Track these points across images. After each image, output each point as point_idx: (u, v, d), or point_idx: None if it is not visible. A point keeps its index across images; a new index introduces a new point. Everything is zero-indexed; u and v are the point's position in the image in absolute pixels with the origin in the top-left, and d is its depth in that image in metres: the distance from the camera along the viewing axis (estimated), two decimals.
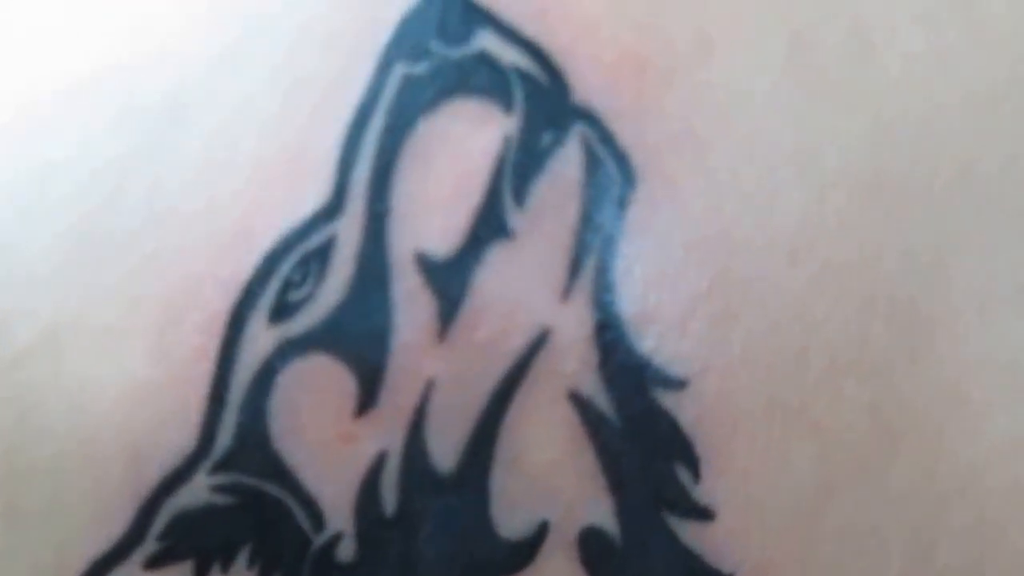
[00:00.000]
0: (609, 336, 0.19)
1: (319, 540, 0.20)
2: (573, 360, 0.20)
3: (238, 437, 0.20)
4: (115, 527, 0.20)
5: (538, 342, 0.20)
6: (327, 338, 0.20)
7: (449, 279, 0.19)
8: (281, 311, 0.20)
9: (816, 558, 0.22)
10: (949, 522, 0.23)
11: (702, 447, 0.20)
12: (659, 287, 0.20)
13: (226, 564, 0.20)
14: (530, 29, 0.20)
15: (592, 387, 0.20)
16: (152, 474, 0.20)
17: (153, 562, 0.20)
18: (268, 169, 0.20)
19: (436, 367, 0.20)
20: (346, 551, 0.20)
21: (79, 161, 0.21)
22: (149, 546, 0.20)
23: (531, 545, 0.20)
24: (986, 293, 0.23)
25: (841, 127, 0.22)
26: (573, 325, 0.20)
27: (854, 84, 0.21)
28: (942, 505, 0.23)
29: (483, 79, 0.19)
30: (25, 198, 0.21)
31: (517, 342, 0.20)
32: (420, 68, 0.19)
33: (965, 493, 0.23)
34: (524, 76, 0.19)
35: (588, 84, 0.20)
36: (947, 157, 0.22)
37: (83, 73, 0.21)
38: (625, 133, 0.20)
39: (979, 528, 0.23)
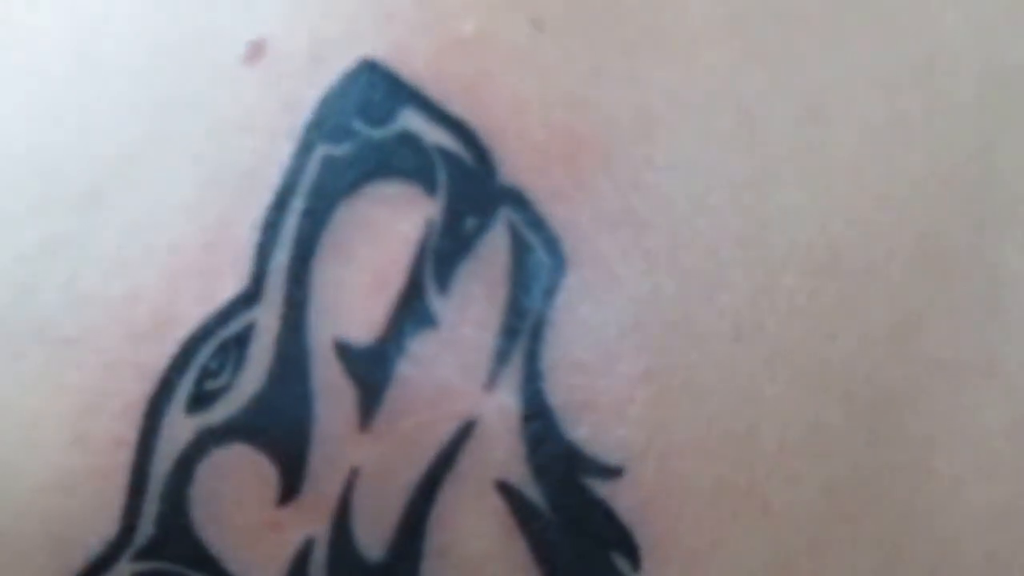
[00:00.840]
0: (537, 426, 0.18)
1: None
2: (500, 450, 0.19)
3: (160, 525, 0.19)
4: None
5: (464, 432, 0.19)
6: (247, 428, 0.19)
7: (370, 368, 0.19)
8: (199, 400, 0.19)
9: None
10: None
11: (643, 535, 0.19)
12: (593, 373, 0.19)
13: None
14: (457, 107, 0.18)
15: (521, 477, 0.19)
16: (75, 562, 0.19)
17: None
18: (187, 256, 0.19)
19: (360, 456, 0.19)
20: None
21: None
22: None
23: None
24: (954, 366, 0.22)
25: (791, 204, 0.20)
26: (500, 415, 0.19)
27: (806, 158, 0.20)
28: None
29: (406, 160, 0.18)
30: None
31: (442, 432, 0.19)
32: (342, 149, 0.18)
33: (936, 572, 0.22)
34: (448, 156, 0.18)
35: (518, 164, 0.19)
36: (907, 232, 0.21)
37: (2, 157, 0.20)
38: (557, 214, 0.19)
39: None
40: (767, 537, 0.20)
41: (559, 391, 0.18)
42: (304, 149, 0.18)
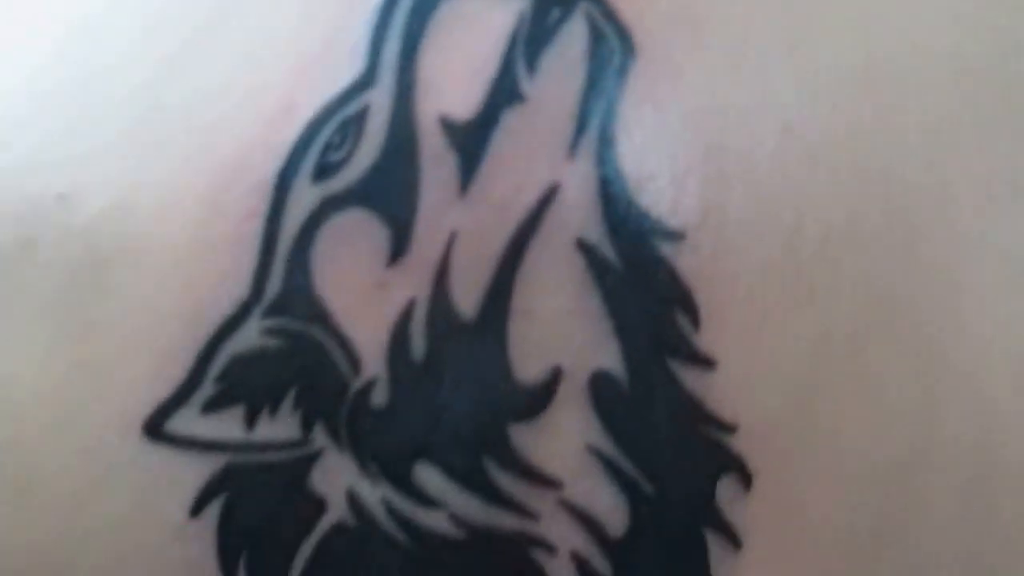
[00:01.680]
0: (612, 189, 0.22)
1: (356, 384, 0.23)
2: (580, 212, 0.22)
3: (285, 285, 0.22)
4: (175, 373, 0.23)
5: (548, 196, 0.22)
6: (363, 194, 0.22)
7: (469, 139, 0.22)
8: (323, 171, 0.22)
9: (814, 420, 0.24)
10: (951, 397, 0.25)
11: (701, 298, 0.22)
12: (657, 150, 0.22)
13: (273, 408, 0.23)
14: None
15: (597, 236, 0.22)
16: (210, 322, 0.23)
17: (209, 406, 0.23)
18: (310, 51, 0.23)
19: (458, 221, 0.22)
20: (380, 396, 0.23)
21: (142, 45, 0.23)
22: (206, 390, 0.23)
23: (546, 391, 0.22)
24: (983, 180, 0.25)
25: (837, 19, 0.24)
26: (579, 180, 0.22)
27: None
28: (942, 382, 0.25)
29: None
30: (96, 84, 0.24)
31: (530, 196, 0.22)
32: None
33: (965, 374, 0.25)
34: None
35: None
36: (940, 48, 0.24)
37: None
38: (626, 11, 0.22)
39: (982, 402, 0.25)
40: (811, 319, 0.23)
41: (629, 162, 0.22)
42: None
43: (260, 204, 0.23)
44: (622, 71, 0.23)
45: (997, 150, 0.25)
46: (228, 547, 0.24)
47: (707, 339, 0.23)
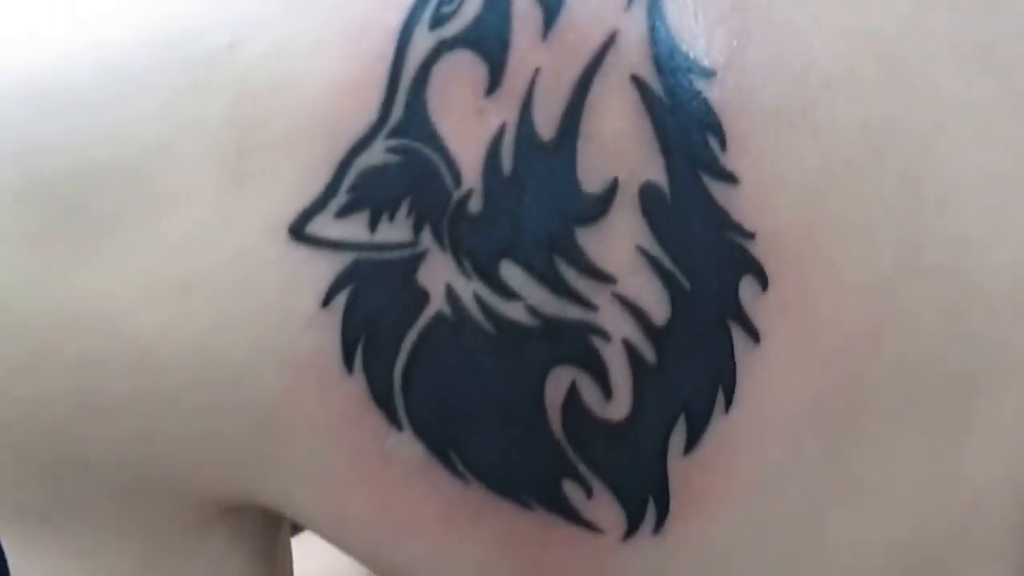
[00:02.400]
0: (658, 35, 0.26)
1: (457, 194, 0.27)
2: (634, 53, 0.26)
3: (405, 112, 0.26)
4: (317, 184, 0.27)
5: (610, 39, 0.26)
6: (469, 38, 0.26)
7: None
8: (437, 21, 0.26)
9: (818, 234, 0.28)
10: (932, 229, 0.29)
11: (727, 125, 0.27)
12: (693, 4, 0.26)
13: (392, 214, 0.27)
14: None
15: (648, 73, 0.26)
16: (345, 142, 0.27)
17: (342, 211, 0.27)
18: None
19: (540, 60, 0.26)
20: (475, 205, 0.27)
21: None
22: (340, 198, 0.27)
23: (606, 199, 0.27)
24: (958, 44, 0.29)
25: None
26: (634, 28, 0.26)
27: None
28: (926, 214, 0.28)
29: None
30: None
31: (595, 40, 0.26)
32: None
33: (945, 206, 0.29)
34: None
35: None
36: None
37: None
38: None
39: (956, 228, 0.29)
40: (814, 149, 0.27)
41: (672, 14, 0.26)
42: None
43: (387, 48, 0.26)
44: None
45: (970, 18, 0.29)
46: (349, 333, 0.28)
47: (732, 159, 0.27)
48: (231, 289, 0.28)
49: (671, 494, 0.29)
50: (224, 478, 0.31)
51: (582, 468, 0.29)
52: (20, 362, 0.29)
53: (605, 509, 0.30)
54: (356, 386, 0.28)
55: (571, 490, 0.29)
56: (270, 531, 0.37)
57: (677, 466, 0.29)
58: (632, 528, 0.30)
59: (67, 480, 0.32)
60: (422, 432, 0.29)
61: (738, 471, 0.29)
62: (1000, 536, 0.34)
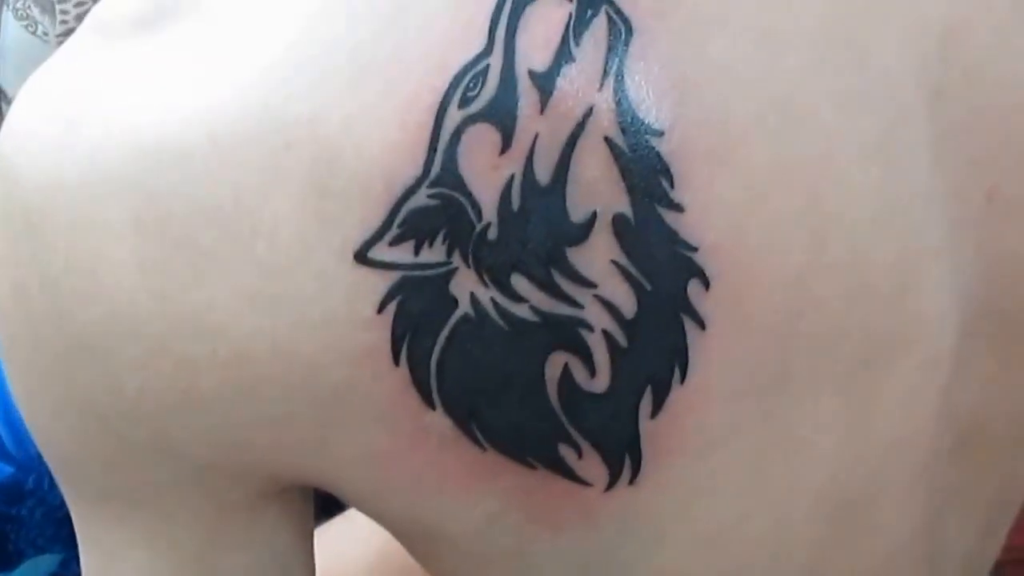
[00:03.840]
0: (622, 107, 0.31)
1: (479, 226, 0.32)
2: (606, 120, 0.31)
3: (442, 167, 0.31)
4: (376, 221, 0.31)
5: (588, 112, 0.31)
6: (487, 113, 0.31)
7: (544, 82, 0.31)
8: (465, 100, 0.31)
9: (746, 244, 0.33)
10: (831, 235, 0.34)
11: (674, 168, 0.32)
12: (646, 84, 0.32)
13: (431, 242, 0.31)
14: None
15: (616, 134, 0.31)
16: (398, 189, 0.31)
17: (395, 241, 0.31)
18: (453, 32, 0.31)
19: (539, 127, 0.31)
20: (492, 233, 0.32)
21: (356, 25, 0.31)
22: (393, 231, 0.31)
23: (588, 226, 0.32)
24: (840, 92, 0.34)
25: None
26: (605, 102, 0.31)
27: None
28: (825, 224, 0.33)
29: None
30: (335, 50, 0.31)
31: (579, 112, 0.31)
32: None
33: (841, 217, 0.34)
34: None
35: None
36: None
37: None
38: (626, 9, 0.31)
39: (852, 241, 0.34)
40: (737, 182, 0.32)
41: (631, 92, 0.32)
42: None
43: (429, 120, 0.31)
44: (626, 42, 0.31)
45: (846, 70, 0.34)
46: (398, 333, 0.32)
47: (679, 193, 0.32)
48: (309, 300, 0.31)
49: (642, 451, 0.35)
50: (288, 458, 0.35)
51: (574, 433, 0.34)
52: (135, 360, 0.33)
53: (592, 466, 0.34)
54: (400, 375, 0.33)
55: (565, 452, 0.34)
56: (308, 513, 0.42)
57: (646, 427, 0.34)
58: (613, 480, 0.35)
59: (159, 463, 0.36)
60: (450, 409, 0.33)
61: (694, 429, 0.35)
62: (905, 486, 0.40)
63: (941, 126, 0.36)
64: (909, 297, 0.36)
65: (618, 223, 0.32)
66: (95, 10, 0.35)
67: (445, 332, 0.32)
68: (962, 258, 0.37)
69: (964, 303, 0.38)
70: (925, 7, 0.35)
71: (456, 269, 0.32)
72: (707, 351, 0.33)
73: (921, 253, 0.36)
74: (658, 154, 0.32)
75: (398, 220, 0.32)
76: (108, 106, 0.32)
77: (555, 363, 0.33)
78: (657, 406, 0.34)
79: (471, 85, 0.31)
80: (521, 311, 0.32)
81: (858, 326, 0.35)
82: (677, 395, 0.34)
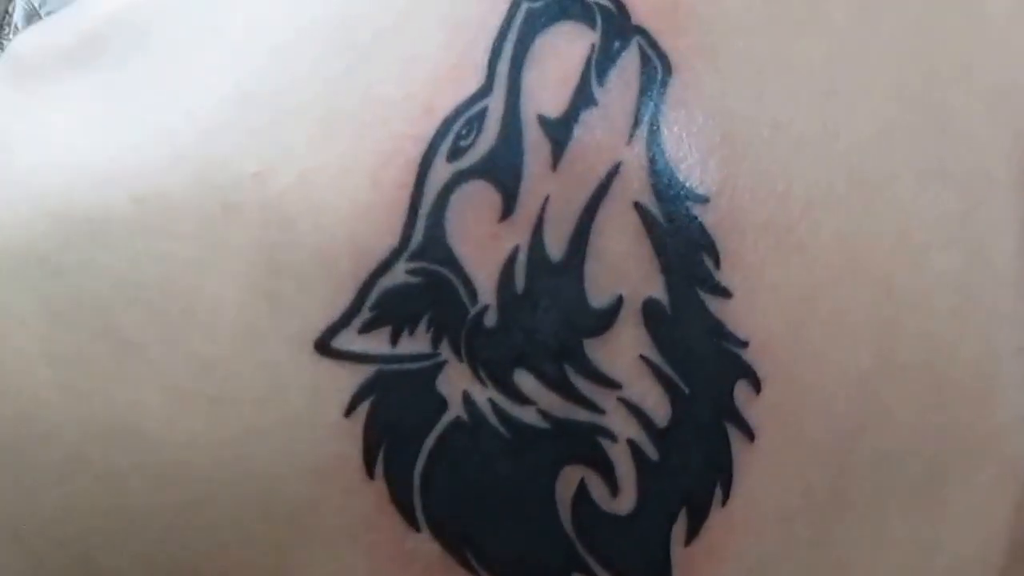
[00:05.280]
0: (657, 166, 0.28)
1: (473, 310, 0.28)
2: (636, 181, 0.28)
3: (425, 236, 0.28)
4: (342, 302, 0.28)
5: (614, 170, 0.28)
6: (483, 169, 0.28)
7: (559, 131, 0.28)
8: (455, 153, 0.28)
9: (804, 340, 0.30)
10: (905, 330, 0.31)
11: (720, 245, 0.29)
12: (688, 138, 0.29)
13: (412, 329, 0.28)
14: None
15: (649, 199, 0.28)
16: (369, 264, 0.28)
17: (365, 327, 0.28)
18: (443, 69, 0.28)
19: (551, 188, 0.28)
20: (490, 319, 0.28)
21: (322, 65, 0.29)
22: (364, 315, 0.28)
23: (612, 313, 0.29)
24: (917, 164, 0.31)
25: (805, 49, 0.30)
26: (635, 160, 0.28)
27: None
28: (899, 317, 0.31)
29: (577, 10, 0.29)
30: (287, 94, 0.29)
31: (601, 170, 0.28)
32: (537, 5, 0.29)
33: (916, 309, 0.31)
34: (601, 7, 0.29)
35: (642, 12, 0.29)
36: (884, 71, 0.31)
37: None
38: (665, 43, 0.29)
39: (929, 337, 0.31)
40: (800, 264, 0.29)
41: (669, 147, 0.28)
42: (514, 6, 0.29)
43: (409, 178, 0.28)
44: (663, 84, 0.29)
45: (927, 139, 0.31)
46: (371, 440, 0.29)
47: (725, 275, 0.29)
48: (259, 401, 0.29)
49: None
50: None
51: (591, 561, 0.30)
52: (51, 471, 0.30)
53: None
54: (377, 490, 0.29)
55: None
56: None
57: (679, 556, 0.30)
58: None
59: None
60: (439, 532, 0.30)
61: (735, 558, 0.31)
62: None
63: None
64: (988, 403, 0.33)
65: (649, 310, 0.29)
66: (12, 45, 0.33)
67: (431, 440, 0.29)
68: None
69: None
70: (1015, 71, 0.33)
71: (445, 363, 0.29)
72: (755, 467, 0.30)
73: (1004, 350, 0.33)
74: (701, 226, 0.29)
75: (370, 302, 0.28)
76: (13, 165, 0.30)
77: (569, 479, 0.30)
78: (693, 531, 0.30)
79: (464, 132, 0.28)
80: (527, 416, 0.29)
81: (931, 437, 0.32)
82: (717, 519, 0.30)
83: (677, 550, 0.31)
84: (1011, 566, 0.37)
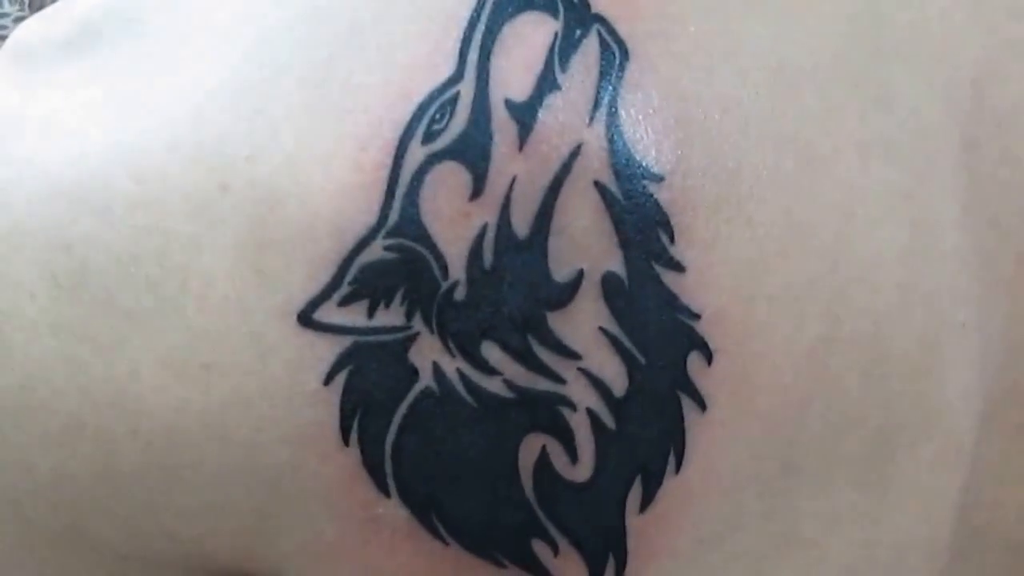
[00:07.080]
0: (616, 146, 0.29)
1: (445, 285, 0.29)
2: (596, 161, 0.29)
3: (401, 215, 0.29)
4: (323, 277, 0.29)
5: (576, 150, 0.29)
6: (456, 151, 0.29)
7: (525, 114, 0.29)
8: (429, 136, 0.29)
9: (755, 313, 0.31)
10: (851, 303, 0.31)
11: (675, 221, 0.29)
12: (644, 120, 0.29)
13: (388, 302, 0.29)
14: None
15: (608, 178, 0.29)
16: (349, 241, 0.29)
17: (344, 300, 0.29)
18: (418, 58, 0.29)
19: (517, 168, 0.29)
20: (459, 293, 0.29)
21: (304, 53, 0.29)
22: (343, 289, 0.29)
23: (573, 287, 0.29)
24: (862, 143, 0.32)
25: (755, 29, 0.31)
26: (595, 141, 0.29)
27: None
28: (844, 290, 0.31)
29: (541, 0, 0.30)
30: (274, 79, 0.29)
31: (564, 150, 0.29)
32: None
33: (861, 282, 0.32)
34: None
35: (601, 1, 0.30)
36: (829, 51, 0.32)
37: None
38: (623, 29, 0.30)
39: (874, 310, 0.32)
40: (749, 238, 0.30)
41: (627, 128, 0.29)
42: None
43: (387, 160, 0.29)
44: (621, 68, 0.29)
45: (872, 118, 0.32)
46: (347, 409, 0.29)
47: (680, 250, 0.29)
48: (245, 369, 0.29)
49: (627, 550, 0.32)
50: (223, 548, 0.32)
51: (550, 527, 0.31)
52: (49, 435, 0.30)
53: (570, 566, 0.32)
54: (350, 457, 0.30)
55: (540, 549, 0.32)
56: None
57: (634, 522, 0.31)
58: None
59: (73, 553, 0.33)
60: (407, 498, 0.31)
61: (687, 526, 0.32)
62: None
63: (971, 180, 0.34)
64: (934, 376, 0.33)
65: (608, 284, 0.30)
66: (16, 32, 0.33)
67: (403, 408, 0.30)
68: (990, 331, 0.35)
69: (988, 383, 0.35)
70: (956, 51, 0.34)
71: (417, 335, 0.29)
72: (707, 436, 0.31)
73: (949, 324, 0.33)
74: (657, 203, 0.29)
75: (349, 277, 0.29)
76: (22, 145, 0.31)
77: (531, 447, 0.30)
78: (647, 499, 0.31)
79: (437, 116, 0.29)
80: (493, 386, 0.30)
81: (877, 409, 0.32)
82: (670, 487, 0.31)
83: (631, 518, 0.32)
84: (963, 555, 0.38)
